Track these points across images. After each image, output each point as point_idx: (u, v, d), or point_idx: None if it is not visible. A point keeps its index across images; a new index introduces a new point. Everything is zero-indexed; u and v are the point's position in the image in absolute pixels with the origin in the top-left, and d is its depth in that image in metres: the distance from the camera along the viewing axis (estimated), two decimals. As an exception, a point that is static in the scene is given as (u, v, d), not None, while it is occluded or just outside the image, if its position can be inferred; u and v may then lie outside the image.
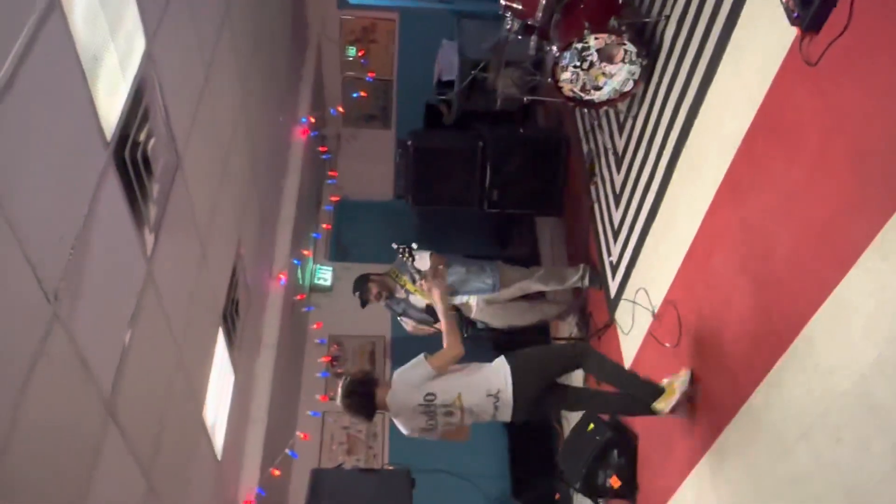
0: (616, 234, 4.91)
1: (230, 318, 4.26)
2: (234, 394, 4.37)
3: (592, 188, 5.46)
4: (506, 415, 3.55)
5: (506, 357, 3.58)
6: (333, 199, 7.54)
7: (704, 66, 3.60)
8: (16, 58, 1.79)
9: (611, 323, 4.84)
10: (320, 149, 7.29)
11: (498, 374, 3.53)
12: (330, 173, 7.72)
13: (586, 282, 5.24)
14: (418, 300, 5.09)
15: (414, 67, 7.49)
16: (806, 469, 2.60)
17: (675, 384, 3.50)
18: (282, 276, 5.52)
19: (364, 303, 5.21)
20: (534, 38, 4.85)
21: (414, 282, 4.88)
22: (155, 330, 3.01)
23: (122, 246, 2.64)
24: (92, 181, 2.32)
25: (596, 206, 5.40)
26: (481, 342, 5.53)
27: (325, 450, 6.30)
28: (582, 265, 5.30)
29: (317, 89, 7.22)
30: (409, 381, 3.54)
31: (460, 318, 5.11)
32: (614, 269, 4.90)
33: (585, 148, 5.64)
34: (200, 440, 3.76)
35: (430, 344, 3.88)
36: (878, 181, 2.30)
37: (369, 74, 7.52)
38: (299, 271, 6.42)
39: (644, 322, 4.24)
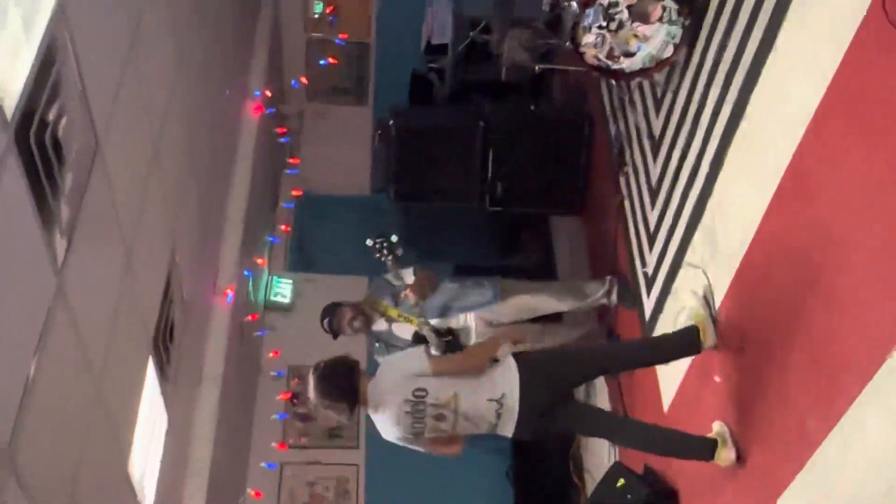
0: (652, 239, 4.90)
1: (163, 345, 4.23)
2: (167, 440, 4.33)
3: (622, 180, 5.47)
4: (508, 427, 3.66)
5: (514, 356, 3.68)
6: (295, 193, 7.55)
7: (763, 26, 3.60)
8: None
9: None
10: (278, 130, 7.28)
11: (505, 375, 3.64)
12: (290, 161, 7.72)
13: (614, 298, 5.26)
14: (403, 329, 5.03)
15: (397, 27, 7.56)
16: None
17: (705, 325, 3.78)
18: (229, 290, 5.50)
19: (336, 334, 5.13)
20: None
21: (396, 304, 4.94)
22: (67, 360, 2.97)
23: (25, 254, 2.60)
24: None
25: (627, 203, 5.42)
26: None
27: (284, 507, 6.28)
28: (608, 278, 5.32)
29: (274, 55, 7.21)
30: (399, 369, 3.72)
31: (455, 344, 4.67)
32: (650, 282, 4.90)
33: (613, 130, 5.65)
34: (125, 498, 3.71)
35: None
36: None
37: (340, 36, 7.53)
38: (251, 285, 6.40)
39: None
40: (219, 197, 5.72)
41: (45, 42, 2.64)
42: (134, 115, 3.68)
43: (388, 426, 3.70)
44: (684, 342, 3.86)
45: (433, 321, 4.64)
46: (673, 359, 4.06)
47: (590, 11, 4.29)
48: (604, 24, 4.29)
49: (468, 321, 5.15)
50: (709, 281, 3.99)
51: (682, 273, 4.41)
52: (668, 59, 4.43)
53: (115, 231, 3.46)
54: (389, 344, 5.16)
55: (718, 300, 3.93)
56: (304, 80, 7.53)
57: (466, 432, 3.74)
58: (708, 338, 3.78)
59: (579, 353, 4.38)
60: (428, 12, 7.29)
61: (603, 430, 4.23)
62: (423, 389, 3.59)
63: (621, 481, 4.48)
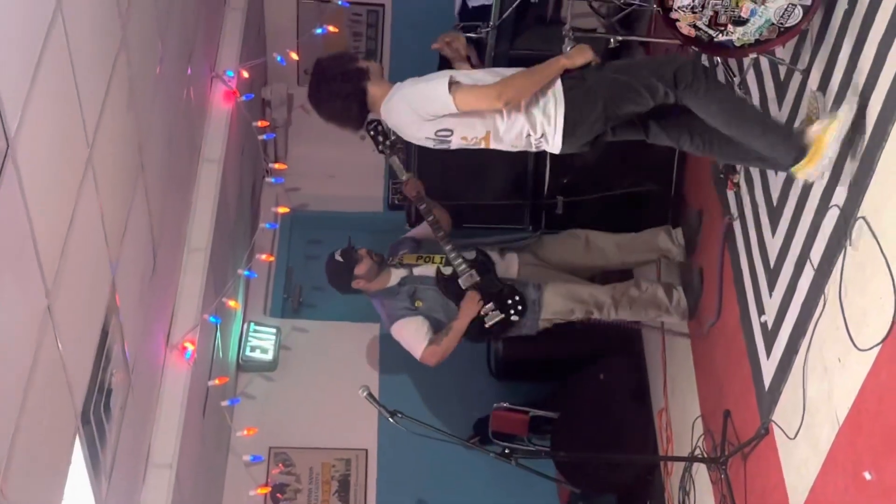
0: (773, 276, 4.92)
1: (96, 419, 4.19)
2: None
3: (731, 195, 5.48)
4: (554, 147, 4.55)
5: (564, 83, 4.41)
6: (281, 210, 7.49)
7: None
8: None
9: (766, 429, 4.83)
10: (259, 124, 7.29)
11: (547, 110, 4.40)
12: (275, 166, 7.70)
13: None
14: (426, 270, 6.00)
15: None
16: None
17: (828, 134, 4.03)
18: (188, 344, 5.50)
19: (350, 268, 5.91)
20: None
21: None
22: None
23: None
24: None
25: (737, 227, 5.44)
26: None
27: None
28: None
29: (254, 23, 7.23)
30: (417, 105, 4.45)
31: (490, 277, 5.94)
32: (770, 335, 4.91)
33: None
34: None
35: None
36: None
37: None
38: (219, 336, 6.42)
39: (829, 430, 4.20)
40: (176, 215, 5.73)
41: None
42: (59, 104, 3.64)
43: (408, 136, 4.75)
44: (782, 138, 4.31)
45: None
46: (765, 138, 4.36)
47: None
48: None
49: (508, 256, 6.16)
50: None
51: (821, 323, 4.37)
52: (795, 27, 4.38)
53: (30, 263, 3.41)
54: (417, 294, 5.96)
55: (870, 360, 3.84)
56: (293, 55, 7.54)
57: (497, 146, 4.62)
58: (814, 162, 4.10)
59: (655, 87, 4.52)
60: None
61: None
62: (449, 130, 4.45)
63: None
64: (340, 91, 4.55)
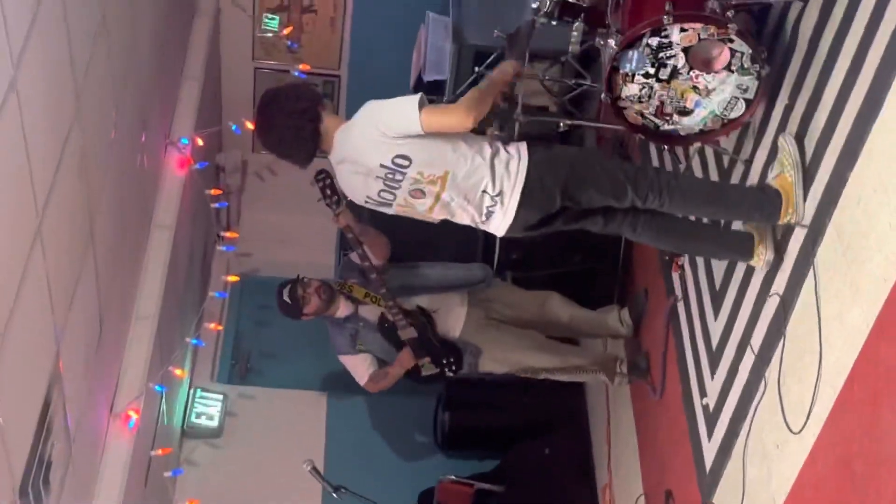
0: (715, 359, 4.95)
1: (34, 493, 4.13)
2: None
3: (676, 276, 5.54)
4: (498, 226, 4.32)
5: (529, 146, 4.24)
6: (231, 278, 7.48)
7: (868, 82, 3.65)
8: None
9: None
10: (211, 192, 7.29)
11: (510, 167, 4.17)
12: (226, 234, 7.70)
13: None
14: (370, 312, 5.89)
15: (377, 57, 7.77)
16: None
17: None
18: (132, 412, 5.45)
19: (297, 308, 5.80)
20: (579, 23, 4.93)
21: (366, 283, 5.85)
22: None
23: None
24: None
25: (681, 308, 5.48)
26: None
27: None
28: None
29: (210, 91, 7.25)
30: (380, 123, 4.07)
31: (429, 335, 5.86)
32: (711, 417, 4.93)
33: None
34: None
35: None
36: None
37: (302, 67, 7.64)
38: (164, 404, 6.36)
39: None
40: (125, 282, 5.71)
41: None
42: (8, 172, 3.62)
43: (353, 185, 4.33)
44: (758, 200, 4.22)
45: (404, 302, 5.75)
46: (736, 214, 4.46)
47: (632, 54, 4.30)
48: (652, 71, 4.32)
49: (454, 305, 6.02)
50: (797, 149, 4.11)
51: (761, 406, 4.38)
52: (738, 119, 4.46)
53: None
54: (359, 334, 5.94)
55: (811, 441, 3.85)
56: (249, 124, 7.54)
57: (443, 216, 4.37)
58: (790, 211, 4.09)
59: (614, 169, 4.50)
60: (420, 38, 7.39)
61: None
62: (407, 158, 4.07)
63: None
64: (293, 112, 4.26)
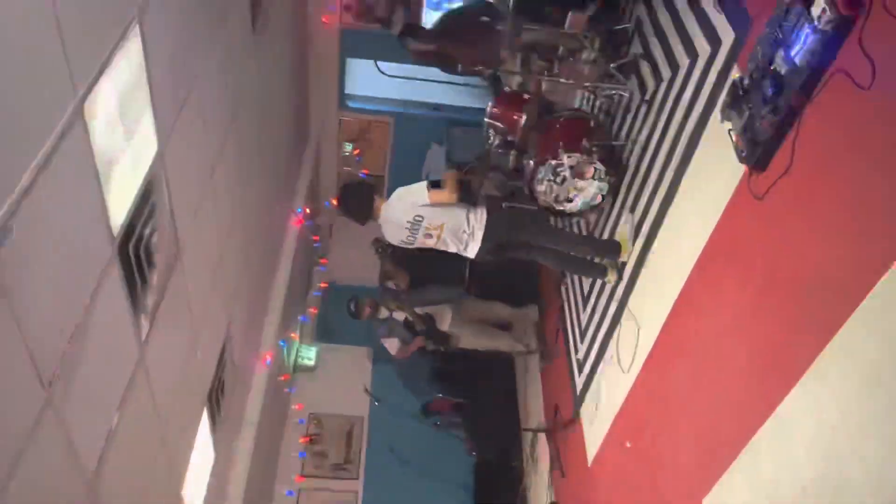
0: (583, 335, 4.92)
1: (215, 399, 4.19)
2: (212, 471, 4.25)
3: (563, 289, 5.52)
4: (472, 252, 4.19)
5: (488, 209, 4.15)
6: (322, 285, 7.55)
7: (665, 189, 3.73)
8: (36, 168, 1.83)
9: (576, 418, 4.79)
10: (313, 237, 7.32)
11: (478, 218, 4.10)
12: (321, 261, 7.73)
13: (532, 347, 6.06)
14: (399, 315, 5.77)
15: (405, 165, 7.61)
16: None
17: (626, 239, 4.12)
18: (268, 356, 5.45)
19: (357, 315, 5.76)
20: (513, 152, 4.93)
21: (396, 300, 5.80)
22: (142, 411, 2.96)
23: (118, 332, 2.63)
24: (96, 273, 2.33)
25: (566, 306, 5.45)
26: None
27: (298, 529, 6.14)
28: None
29: (313, 182, 7.32)
30: (407, 199, 4.12)
31: (433, 330, 5.81)
32: (580, 366, 4.89)
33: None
34: (177, 517, 3.66)
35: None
36: (816, 309, 2.37)
37: (363, 171, 7.62)
38: (285, 352, 6.34)
39: (607, 420, 4.21)
40: (265, 286, 5.72)
41: (147, 178, 2.70)
42: (207, 229, 3.71)
43: (392, 233, 4.23)
44: (608, 246, 4.26)
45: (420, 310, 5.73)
46: (597, 254, 4.40)
47: (542, 168, 4.34)
48: (552, 178, 4.33)
49: (444, 313, 5.87)
50: (635, 222, 4.12)
51: (604, 363, 4.40)
52: (598, 205, 4.47)
53: (186, 314, 3.47)
54: (392, 328, 5.80)
55: (629, 384, 3.91)
56: (334, 201, 7.56)
57: (442, 248, 4.21)
58: (626, 255, 4.13)
59: (527, 224, 4.44)
60: (427, 156, 7.47)
61: (541, 247, 4.44)
62: (421, 216, 4.07)
63: None
64: (359, 195, 4.27)
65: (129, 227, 2.57)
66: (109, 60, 2.25)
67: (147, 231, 2.75)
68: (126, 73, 2.40)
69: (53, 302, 2.07)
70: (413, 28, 5.07)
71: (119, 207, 2.48)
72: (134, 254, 2.64)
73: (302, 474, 6.40)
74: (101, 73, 2.20)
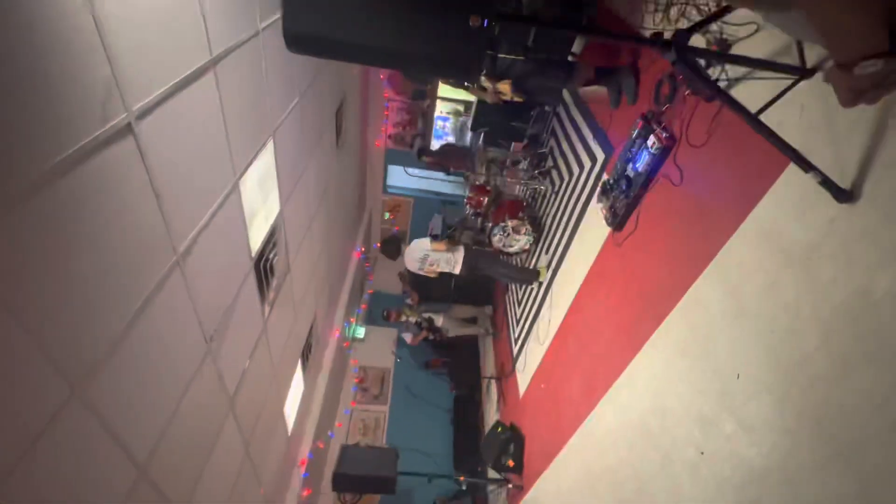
0: (518, 321, 4.79)
1: (306, 354, 4.05)
2: (302, 397, 4.09)
3: (506, 296, 5.39)
4: (458, 269, 4.02)
5: (465, 250, 4.03)
6: (369, 291, 7.41)
7: (565, 241, 3.67)
8: (211, 213, 1.81)
9: (513, 370, 4.64)
10: (366, 264, 7.20)
11: (458, 255, 3.99)
12: (370, 277, 7.61)
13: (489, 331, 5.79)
14: (413, 318, 5.54)
15: (419, 225, 7.49)
16: (615, 463, 2.47)
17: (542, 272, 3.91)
18: (336, 331, 5.30)
19: (388, 318, 5.55)
20: (480, 219, 4.90)
21: (410, 308, 5.54)
22: (263, 360, 2.85)
23: (251, 313, 2.55)
24: (241, 277, 2.28)
25: (507, 305, 5.32)
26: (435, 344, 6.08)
27: (350, 433, 5.86)
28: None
29: (366, 233, 7.23)
30: (419, 247, 4.03)
31: (432, 327, 5.58)
32: (516, 340, 4.73)
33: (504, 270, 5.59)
34: (279, 423, 3.49)
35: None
36: (651, 307, 2.33)
37: (395, 228, 7.54)
38: (347, 329, 6.14)
39: (530, 371, 4.08)
40: (337, 290, 5.54)
41: (273, 225, 2.65)
42: (306, 255, 3.60)
43: (410, 264, 4.06)
44: (532, 273, 4.05)
45: (425, 315, 5.54)
46: (529, 279, 4.10)
47: (496, 228, 4.28)
48: (501, 233, 4.27)
49: (440, 318, 5.69)
50: (548, 259, 3.89)
51: (530, 338, 4.24)
52: (527, 249, 4.38)
53: (291, 304, 3.36)
54: (408, 327, 5.57)
55: (544, 350, 3.77)
56: (378, 244, 7.38)
57: (441, 269, 4.03)
58: (543, 277, 3.92)
59: (488, 257, 4.32)
60: (431, 221, 7.34)
61: (495, 270, 4.21)
62: (427, 255, 3.99)
63: (500, 428, 4.27)
64: (392, 244, 4.25)
65: (261, 253, 2.52)
66: (255, 157, 2.23)
67: (271, 256, 2.70)
68: (264, 165, 2.38)
69: (216, 290, 2.01)
70: (425, 149, 5.11)
71: (256, 241, 2.44)
72: (263, 268, 2.59)
73: (353, 401, 6.19)
74: (250, 164, 2.17)
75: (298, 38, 1.08)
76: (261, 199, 2.43)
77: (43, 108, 0.95)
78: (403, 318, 5.68)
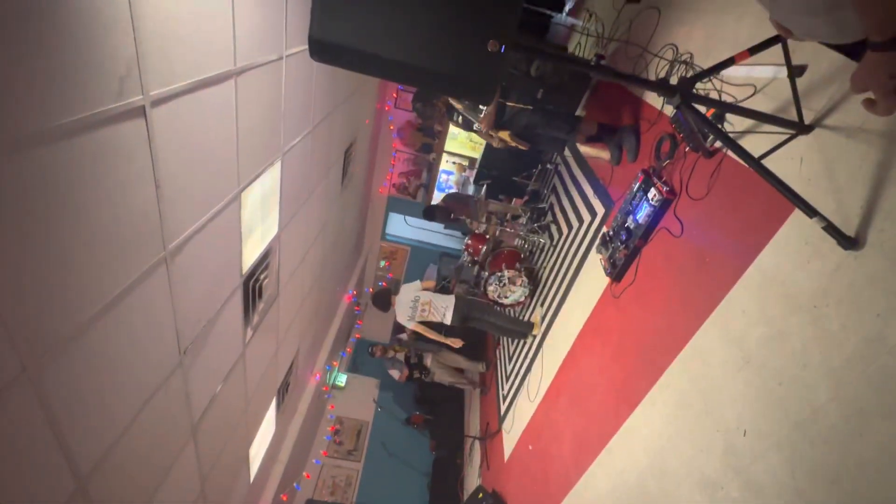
0: (507, 378, 4.62)
1: (282, 392, 3.83)
2: (272, 439, 3.82)
3: (497, 350, 5.25)
4: (448, 318, 3.90)
5: (455, 297, 3.95)
6: (356, 335, 7.21)
7: (562, 293, 3.64)
8: (208, 218, 1.78)
9: (499, 430, 4.41)
10: (356, 308, 7.07)
11: (448, 303, 3.90)
12: (358, 322, 7.44)
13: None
14: (401, 356, 5.46)
15: (414, 274, 7.44)
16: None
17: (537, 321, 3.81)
18: (317, 374, 5.08)
19: (372, 354, 5.46)
20: (476, 267, 4.88)
21: (400, 344, 5.46)
22: (236, 388, 2.69)
23: (232, 333, 2.44)
24: (228, 291, 2.20)
25: (498, 361, 5.15)
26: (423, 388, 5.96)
27: (318, 488, 5.42)
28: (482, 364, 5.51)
29: (360, 278, 7.17)
30: (409, 290, 3.94)
31: (421, 365, 5.43)
32: (504, 397, 4.53)
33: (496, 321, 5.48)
34: (242, 467, 3.22)
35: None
36: (648, 361, 2.25)
37: (389, 275, 7.51)
38: (329, 374, 5.91)
39: (518, 431, 3.88)
40: (323, 330, 5.39)
41: (268, 246, 2.62)
42: (297, 286, 3.54)
43: (401, 312, 3.90)
44: (527, 325, 3.96)
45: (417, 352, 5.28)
46: (523, 332, 3.98)
47: (492, 277, 4.25)
48: (497, 283, 4.24)
49: (427, 359, 5.48)
50: (543, 312, 3.82)
51: (519, 395, 4.08)
52: (523, 301, 4.34)
53: (275, 332, 3.23)
54: (394, 363, 5.44)
55: (534, 409, 3.62)
56: (371, 290, 7.43)
57: (431, 319, 3.90)
58: (537, 330, 3.84)
59: (481, 307, 4.16)
60: (428, 269, 7.35)
61: (487, 321, 4.08)
62: (418, 298, 3.89)
63: (480, 494, 3.95)
64: (383, 296, 4.02)
65: (252, 272, 2.47)
66: (262, 173, 2.25)
67: (262, 277, 2.64)
68: (269, 183, 2.39)
69: (199, 300, 1.93)
70: (432, 209, 5.12)
71: (249, 257, 2.39)
72: (252, 287, 2.51)
73: (325, 451, 5.77)
74: (255, 178, 2.18)
75: (323, 46, 1.09)
76: (260, 217, 2.41)
77: (61, 64, 0.88)
78: (390, 354, 5.54)
